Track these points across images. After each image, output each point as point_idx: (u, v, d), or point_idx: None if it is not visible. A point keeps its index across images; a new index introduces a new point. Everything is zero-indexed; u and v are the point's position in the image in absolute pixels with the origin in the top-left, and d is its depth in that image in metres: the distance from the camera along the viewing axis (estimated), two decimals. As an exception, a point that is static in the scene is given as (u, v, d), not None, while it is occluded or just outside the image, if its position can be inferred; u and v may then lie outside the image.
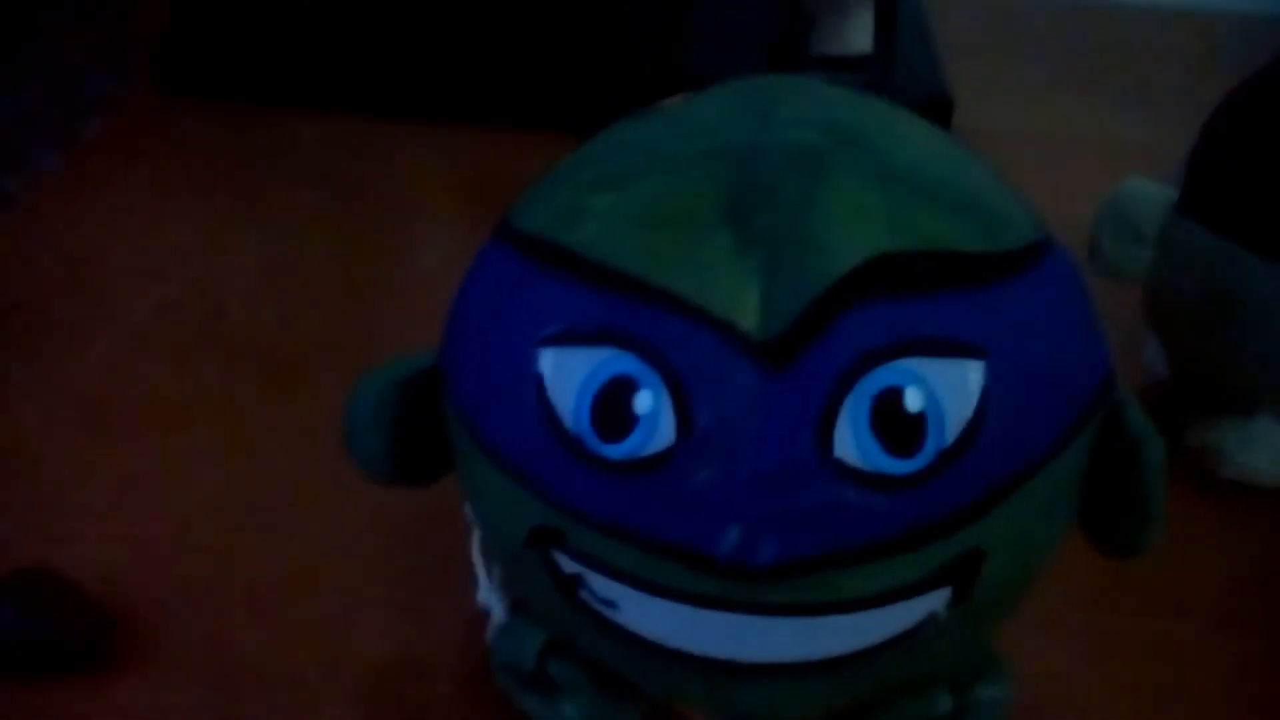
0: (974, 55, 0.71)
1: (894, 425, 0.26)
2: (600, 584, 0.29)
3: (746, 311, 0.27)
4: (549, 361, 0.28)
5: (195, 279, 0.54)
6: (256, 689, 0.37)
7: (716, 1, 0.71)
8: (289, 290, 0.54)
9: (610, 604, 0.29)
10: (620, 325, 0.27)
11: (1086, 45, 0.76)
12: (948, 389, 0.27)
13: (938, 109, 0.63)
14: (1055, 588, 0.38)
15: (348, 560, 0.41)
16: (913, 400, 0.27)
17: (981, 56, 0.72)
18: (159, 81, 0.66)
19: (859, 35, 0.66)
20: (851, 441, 0.26)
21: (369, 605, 0.40)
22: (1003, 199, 0.30)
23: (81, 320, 0.51)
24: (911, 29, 0.69)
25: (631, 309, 0.27)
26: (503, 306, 0.30)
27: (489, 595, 0.37)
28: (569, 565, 0.29)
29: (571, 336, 0.28)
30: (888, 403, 0.26)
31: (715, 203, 0.28)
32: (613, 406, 0.27)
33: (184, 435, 0.46)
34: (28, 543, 0.41)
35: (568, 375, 0.28)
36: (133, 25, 0.71)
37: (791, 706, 0.31)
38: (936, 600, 0.28)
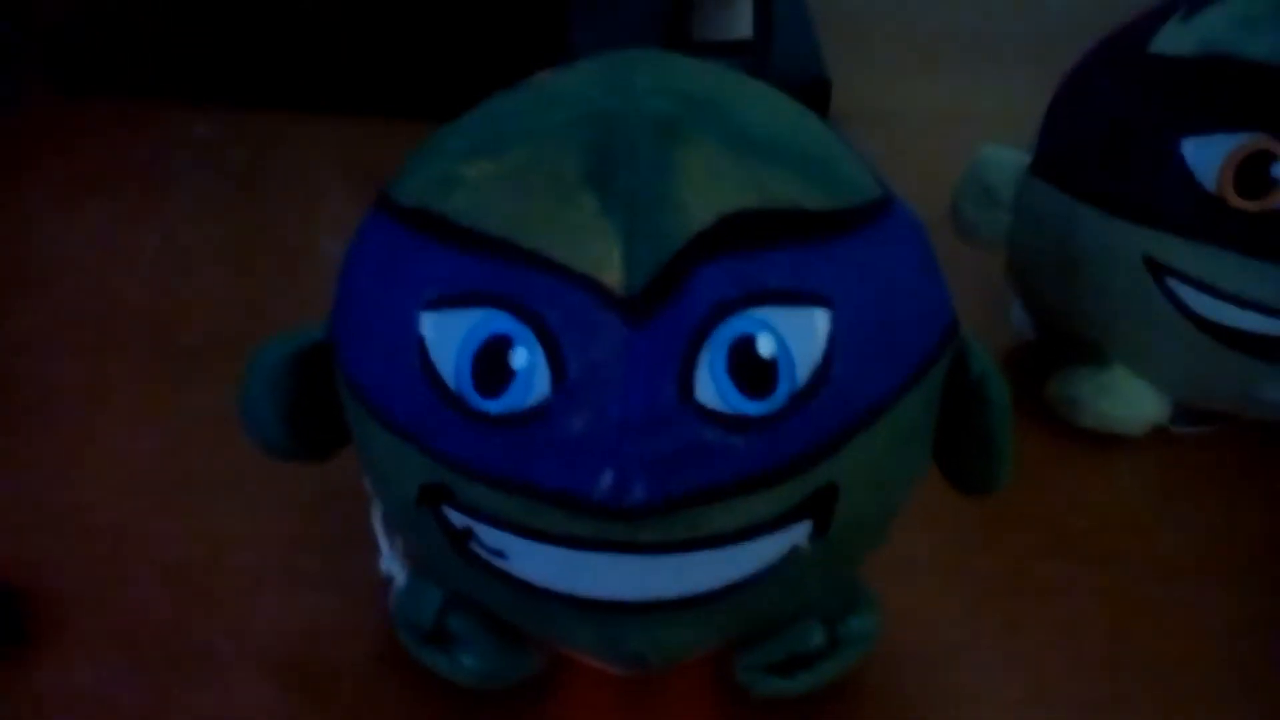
0: (852, 37, 0.74)
1: (749, 370, 0.29)
2: (489, 535, 0.31)
3: (610, 269, 0.28)
4: (429, 324, 0.30)
5: (96, 273, 0.55)
6: (167, 661, 0.38)
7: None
8: (189, 280, 0.54)
9: (499, 553, 0.31)
10: (494, 287, 0.29)
11: (960, 23, 0.79)
12: (796, 335, 0.29)
13: (816, 91, 0.65)
14: (925, 531, 0.41)
15: (254, 537, 0.42)
16: (764, 346, 0.29)
17: (859, 38, 0.75)
18: (53, 82, 0.67)
19: (740, 20, 0.68)
20: (710, 386, 0.28)
21: (276, 578, 0.41)
22: (845, 160, 0.32)
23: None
24: (792, 14, 0.71)
25: (504, 271, 0.29)
26: (384, 275, 0.31)
27: (391, 563, 0.38)
28: (458, 519, 0.31)
29: (449, 300, 0.30)
30: (742, 349, 0.29)
31: (578, 168, 0.29)
32: (491, 364, 0.29)
33: (89, 423, 0.47)
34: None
35: (447, 336, 0.30)
36: (27, 25, 0.71)
37: (674, 644, 0.33)
38: (798, 533, 0.31)
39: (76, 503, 0.44)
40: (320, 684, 0.38)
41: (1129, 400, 0.46)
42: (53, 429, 0.47)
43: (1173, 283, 0.43)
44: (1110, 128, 0.44)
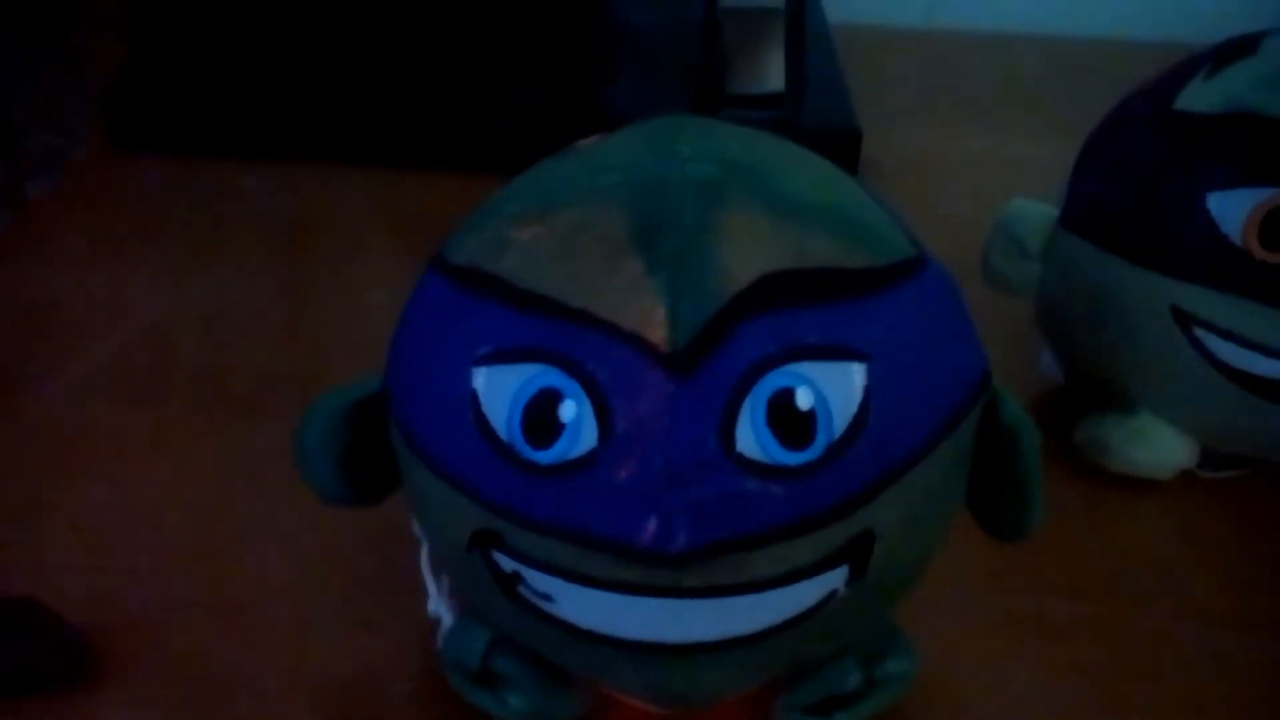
0: (882, 89, 0.75)
1: (788, 422, 0.30)
2: (537, 579, 0.32)
3: (655, 326, 0.30)
4: (482, 379, 0.31)
5: (149, 323, 0.56)
6: (221, 702, 0.40)
7: (637, 45, 0.75)
8: (240, 329, 0.56)
9: (547, 597, 0.32)
10: (545, 343, 0.31)
11: (987, 75, 0.81)
12: (834, 389, 0.30)
13: (846, 141, 0.67)
14: (954, 572, 0.42)
15: (306, 580, 0.44)
16: (803, 399, 0.30)
17: (889, 90, 0.77)
18: (109, 136, 0.69)
19: (773, 74, 0.69)
20: (751, 437, 0.30)
21: (327, 621, 0.42)
22: (880, 220, 0.33)
23: (39, 366, 0.53)
24: (823, 66, 0.73)
25: (554, 328, 0.31)
26: (439, 331, 0.33)
27: (438, 605, 0.39)
28: (508, 564, 0.32)
29: (501, 356, 0.31)
30: (781, 402, 0.30)
31: (625, 231, 0.31)
32: (541, 416, 0.30)
33: (145, 469, 0.48)
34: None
35: (499, 390, 0.31)
36: (79, 84, 0.73)
37: (715, 684, 0.34)
38: (836, 578, 0.32)
39: (135, 546, 0.45)
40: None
41: (1157, 445, 0.47)
42: (110, 476, 0.48)
43: (1200, 332, 0.44)
44: (1137, 182, 0.45)
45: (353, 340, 0.55)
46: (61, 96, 0.73)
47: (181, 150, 0.69)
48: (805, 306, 0.30)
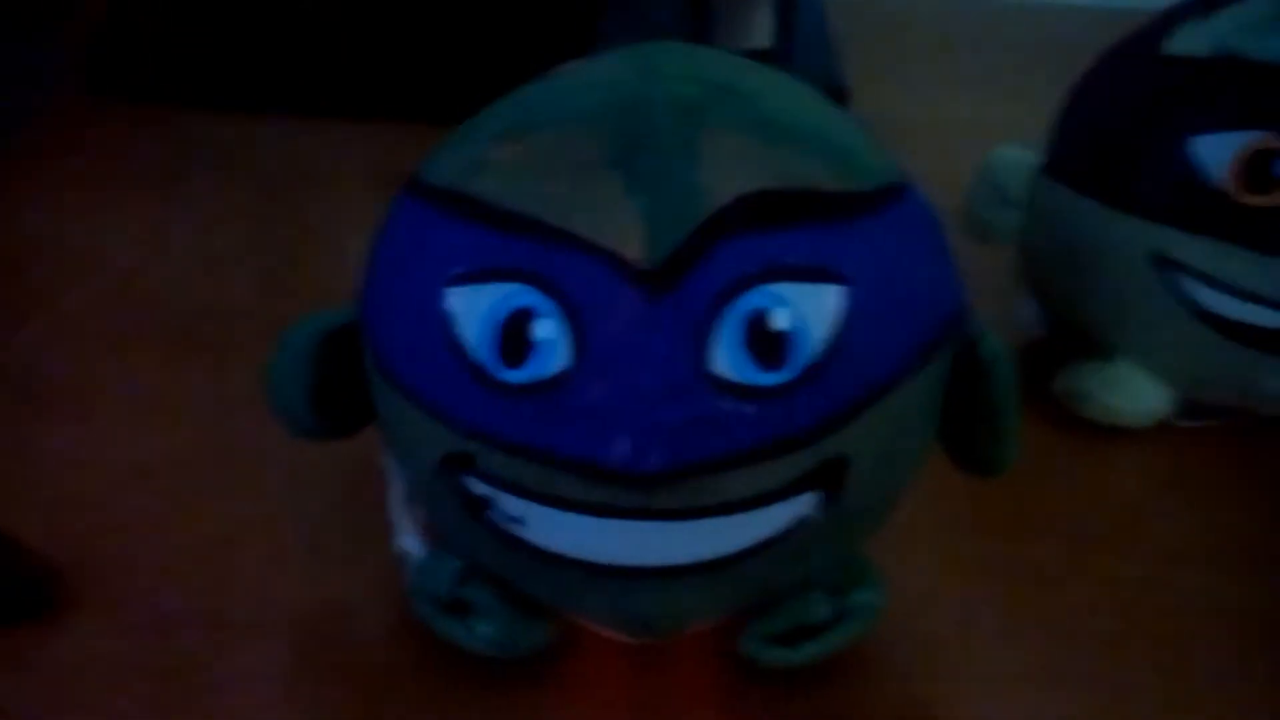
0: (871, 48, 0.75)
1: (763, 342, 0.30)
2: (508, 502, 0.32)
3: (632, 243, 0.30)
4: (456, 299, 0.31)
5: (126, 268, 0.56)
6: (188, 635, 0.39)
7: (628, 2, 0.74)
8: (216, 276, 0.56)
9: (518, 520, 0.32)
10: (519, 262, 0.30)
11: (978, 38, 0.81)
12: (811, 310, 0.30)
13: (835, 99, 0.66)
14: (931, 515, 0.42)
15: (275, 518, 0.43)
16: (779, 320, 0.30)
17: (878, 49, 0.76)
18: (91, 84, 0.69)
19: (761, 31, 0.69)
20: (726, 357, 0.30)
21: (296, 557, 0.42)
22: (862, 145, 0.33)
23: (15, 307, 0.53)
24: (811, 25, 0.72)
25: (530, 247, 0.30)
26: (412, 253, 0.33)
27: (405, 540, 0.39)
28: (479, 488, 0.32)
29: (475, 275, 0.31)
30: (757, 323, 0.30)
31: (604, 150, 0.31)
32: (514, 336, 0.30)
33: (120, 410, 0.48)
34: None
35: (473, 311, 0.31)
36: (62, 34, 0.73)
37: (683, 609, 0.34)
38: (808, 503, 0.32)
39: (107, 484, 0.45)
40: (339, 653, 0.39)
41: (1134, 394, 0.47)
42: (86, 413, 0.48)
43: (1179, 278, 0.44)
44: (1121, 126, 0.45)
45: (329, 287, 0.54)
46: (39, 47, 0.72)
47: (161, 100, 0.68)
48: (785, 227, 0.30)
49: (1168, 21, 0.45)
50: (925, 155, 0.63)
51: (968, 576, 0.42)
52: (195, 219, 0.60)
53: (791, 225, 0.30)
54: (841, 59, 0.70)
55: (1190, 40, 0.44)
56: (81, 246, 0.58)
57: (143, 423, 0.48)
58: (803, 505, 0.32)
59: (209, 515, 0.44)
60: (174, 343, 0.52)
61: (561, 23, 0.70)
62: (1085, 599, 0.41)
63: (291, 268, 0.57)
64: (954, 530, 0.44)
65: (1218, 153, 0.42)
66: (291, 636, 0.40)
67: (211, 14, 0.70)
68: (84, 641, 0.39)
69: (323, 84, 0.69)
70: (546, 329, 0.30)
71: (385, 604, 0.40)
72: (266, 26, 0.69)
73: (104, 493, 0.44)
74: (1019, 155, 0.48)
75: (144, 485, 0.45)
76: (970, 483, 0.36)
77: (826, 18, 0.74)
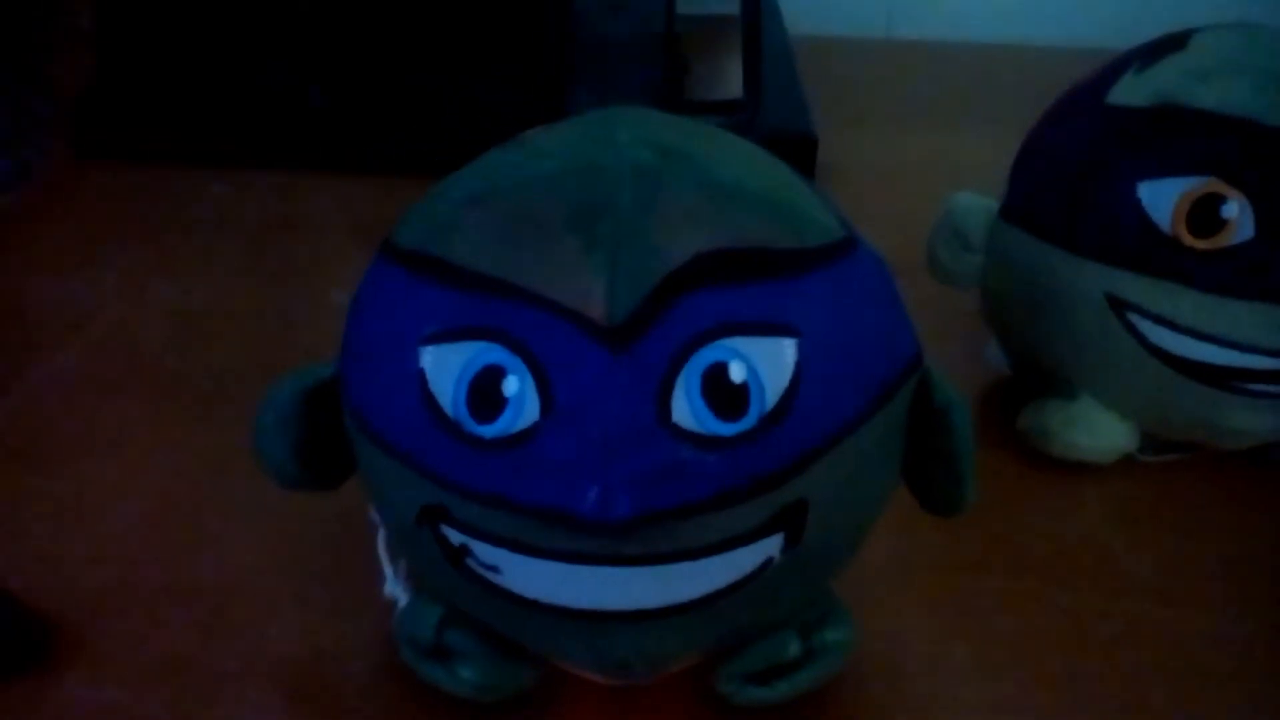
0: (839, 97, 0.77)
1: (721, 394, 0.31)
2: (484, 551, 0.33)
3: (594, 302, 0.31)
4: (429, 358, 0.33)
5: (116, 323, 0.58)
6: (182, 685, 0.40)
7: (599, 54, 0.76)
8: (205, 330, 0.57)
9: (494, 569, 0.33)
10: (488, 321, 0.32)
11: (942, 82, 0.83)
12: (766, 363, 0.31)
13: (803, 147, 0.68)
14: (898, 551, 0.44)
15: (266, 568, 0.45)
16: (736, 372, 0.31)
17: (845, 98, 0.78)
18: (78, 149, 0.70)
19: (731, 82, 0.71)
20: (686, 408, 0.31)
21: (286, 606, 0.43)
22: (811, 204, 0.34)
23: (9, 363, 0.54)
24: (781, 75, 0.74)
25: (498, 307, 0.32)
26: (387, 312, 0.34)
27: (395, 587, 0.40)
28: (455, 537, 0.33)
29: (447, 334, 0.32)
30: (715, 375, 0.31)
31: (565, 212, 0.32)
32: (485, 392, 0.32)
33: (112, 462, 0.49)
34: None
35: (445, 368, 0.32)
36: (47, 100, 0.74)
37: (657, 651, 0.35)
38: (772, 546, 0.33)
39: (97, 535, 0.46)
40: (327, 699, 0.40)
41: (1096, 430, 0.48)
42: (78, 466, 0.49)
43: (1134, 318, 0.45)
44: (1072, 174, 0.46)
45: (315, 340, 0.55)
46: (30, 111, 0.74)
47: (149, 159, 0.70)
48: (738, 284, 0.32)
49: (1110, 73, 0.47)
50: (890, 199, 0.65)
51: (936, 612, 0.43)
52: (185, 273, 0.61)
53: (745, 282, 0.32)
54: (809, 108, 0.72)
55: (1131, 91, 0.46)
56: (73, 302, 0.59)
57: (133, 475, 0.49)
58: (767, 548, 0.33)
59: (200, 566, 0.45)
60: (163, 395, 0.53)
61: (537, 77, 0.72)
62: (1051, 633, 0.43)
63: (280, 321, 0.58)
64: (922, 567, 0.45)
65: (1163, 198, 0.44)
66: (282, 685, 0.41)
67: (199, 72, 0.72)
68: (76, 693, 0.40)
69: (312, 139, 0.70)
70: (515, 385, 0.31)
71: (376, 651, 0.41)
72: (256, 83, 0.71)
73: (95, 545, 0.46)
74: (978, 200, 0.50)
75: (135, 537, 0.46)
76: (937, 520, 0.37)
77: (795, 67, 0.76)
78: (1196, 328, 0.44)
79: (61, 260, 0.62)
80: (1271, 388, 0.45)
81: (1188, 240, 0.44)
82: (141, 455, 0.50)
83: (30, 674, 0.40)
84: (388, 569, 0.40)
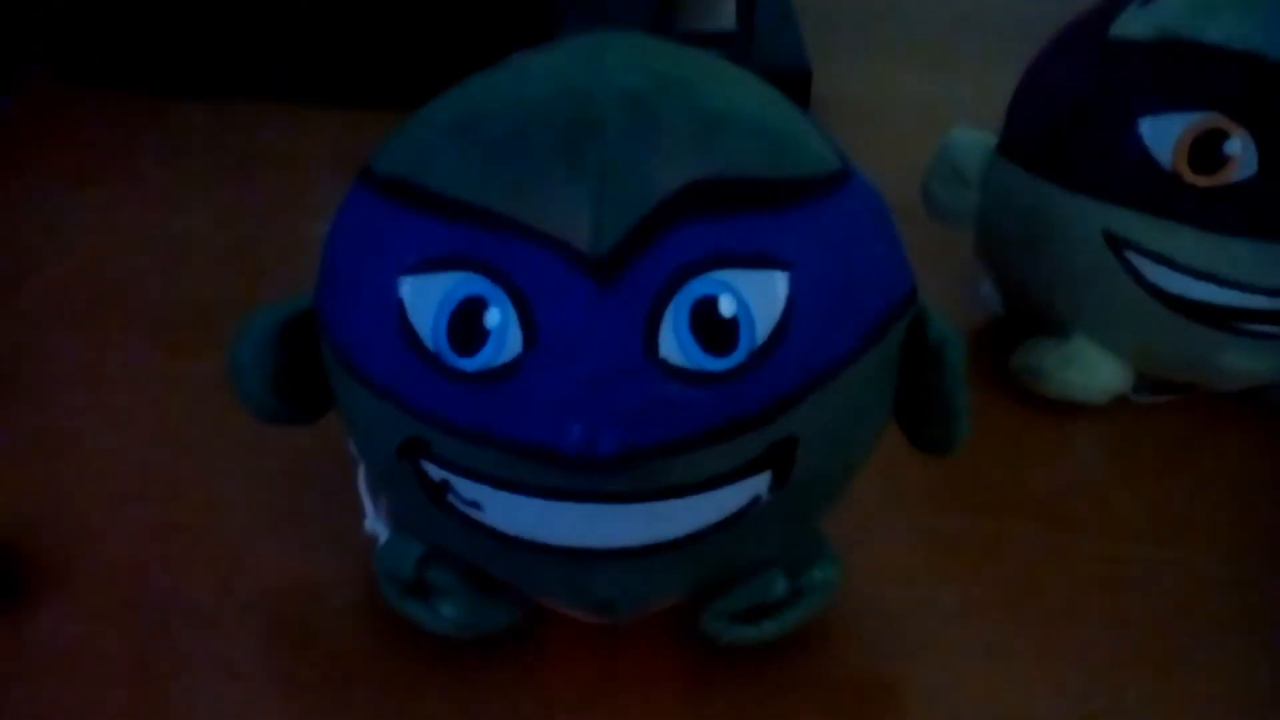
0: (833, 29, 0.76)
1: (710, 328, 0.30)
2: (465, 487, 0.32)
3: (579, 232, 0.30)
4: (408, 289, 0.32)
5: (95, 254, 0.56)
6: (158, 616, 0.40)
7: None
8: (184, 261, 0.56)
9: (475, 505, 0.33)
10: (469, 251, 0.31)
11: (938, 16, 0.82)
12: (757, 296, 0.31)
13: (797, 81, 0.67)
14: (890, 492, 0.43)
15: (244, 500, 0.44)
16: (726, 306, 0.30)
17: (840, 31, 0.77)
18: (54, 72, 0.69)
19: (724, 12, 0.70)
20: (674, 343, 0.30)
21: (264, 540, 0.43)
22: (806, 134, 0.33)
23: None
24: (774, 6, 0.73)
25: (479, 236, 0.31)
26: (366, 242, 0.33)
27: (375, 523, 0.39)
28: (436, 473, 0.33)
29: (427, 264, 0.31)
30: (704, 309, 0.30)
31: (551, 139, 0.31)
32: (466, 324, 0.31)
33: (90, 394, 0.49)
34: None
35: (425, 299, 0.31)
36: (27, 19, 0.73)
37: (640, 590, 0.34)
38: (759, 484, 0.32)
39: (75, 468, 0.45)
40: (304, 634, 0.39)
41: (1091, 370, 0.47)
42: (54, 400, 0.48)
43: (1131, 256, 0.44)
44: (1072, 108, 0.45)
45: (296, 272, 0.54)
46: (9, 37, 0.72)
47: (130, 87, 0.68)
48: (729, 215, 0.31)
49: (1112, 6, 0.46)
50: (886, 135, 0.64)
51: (927, 552, 0.43)
52: (163, 204, 0.60)
53: (736, 213, 0.31)
54: (803, 40, 0.70)
55: (1134, 24, 0.45)
56: (50, 232, 0.58)
57: (107, 408, 0.48)
58: (755, 486, 0.32)
59: (177, 499, 0.44)
60: (136, 328, 0.52)
61: (525, 7, 0.70)
62: (1043, 573, 0.42)
63: (257, 250, 0.57)
64: (913, 506, 0.44)
65: (1165, 134, 0.43)
66: (261, 618, 0.40)
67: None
68: (53, 627, 0.39)
69: (286, 69, 0.69)
70: (497, 317, 0.30)
71: (355, 587, 0.41)
72: (239, 10, 0.69)
73: (70, 479, 0.45)
74: (975, 136, 0.49)
75: (113, 469, 0.45)
76: (928, 460, 0.37)
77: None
78: (1195, 266, 0.44)
79: (36, 189, 0.61)
80: (1271, 328, 0.44)
81: (1189, 177, 0.43)
82: (118, 388, 0.49)
83: (6, 609, 0.40)
84: (368, 504, 0.40)
